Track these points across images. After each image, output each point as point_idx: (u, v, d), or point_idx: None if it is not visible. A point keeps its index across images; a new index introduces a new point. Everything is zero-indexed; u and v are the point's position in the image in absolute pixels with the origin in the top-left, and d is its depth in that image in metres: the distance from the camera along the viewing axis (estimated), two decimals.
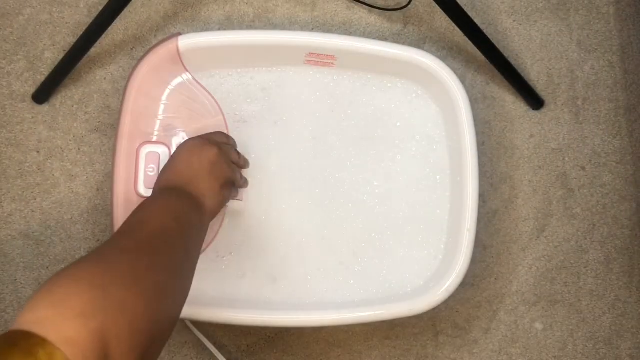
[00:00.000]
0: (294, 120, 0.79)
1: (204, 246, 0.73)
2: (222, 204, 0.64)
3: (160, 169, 0.72)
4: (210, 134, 0.69)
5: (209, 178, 0.61)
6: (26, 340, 0.35)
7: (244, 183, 0.73)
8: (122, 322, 0.39)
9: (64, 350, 0.34)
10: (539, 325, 0.84)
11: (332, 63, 0.78)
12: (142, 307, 0.41)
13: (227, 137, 0.72)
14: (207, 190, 0.61)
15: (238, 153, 0.71)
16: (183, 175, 0.60)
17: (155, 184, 0.62)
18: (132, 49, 0.82)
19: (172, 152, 0.64)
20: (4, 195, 0.79)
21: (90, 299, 0.38)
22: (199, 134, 0.74)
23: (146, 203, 0.56)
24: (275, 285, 0.76)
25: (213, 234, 0.74)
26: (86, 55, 0.77)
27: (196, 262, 0.56)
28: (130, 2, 0.72)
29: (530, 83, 0.86)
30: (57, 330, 0.35)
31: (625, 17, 0.90)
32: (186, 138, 0.73)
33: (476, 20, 0.78)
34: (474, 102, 0.85)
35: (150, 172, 0.72)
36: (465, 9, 0.76)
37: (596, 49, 0.89)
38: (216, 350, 0.77)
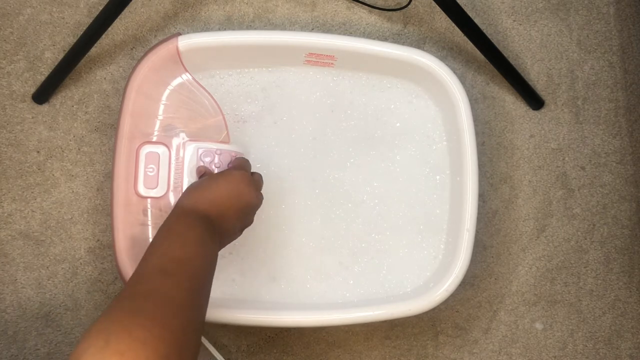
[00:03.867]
0: (293, 120, 0.79)
1: None
2: (230, 241, 0.65)
3: (160, 169, 0.72)
4: (253, 173, 0.68)
5: (238, 222, 0.63)
6: None
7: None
8: None
9: None
10: (539, 325, 0.84)
11: (332, 63, 0.78)
12: None
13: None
14: (230, 232, 0.62)
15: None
16: (218, 206, 0.60)
17: (190, 195, 0.61)
18: (132, 49, 0.83)
19: (219, 173, 0.64)
20: (4, 195, 0.79)
21: None
22: (199, 135, 0.74)
23: (182, 233, 0.55)
24: (275, 285, 0.76)
25: None
26: (86, 55, 0.77)
27: None
28: (130, 2, 0.72)
29: (530, 83, 0.86)
30: None
31: (625, 17, 0.90)
32: (186, 139, 0.73)
33: (476, 20, 0.78)
34: (474, 102, 0.85)
35: (150, 172, 0.72)
36: (465, 9, 0.76)
37: (596, 49, 0.89)
38: (216, 351, 0.77)
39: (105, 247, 0.79)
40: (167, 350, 0.42)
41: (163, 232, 0.56)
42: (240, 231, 0.65)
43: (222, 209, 0.60)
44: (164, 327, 0.43)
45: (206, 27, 0.84)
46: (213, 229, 0.58)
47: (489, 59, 0.81)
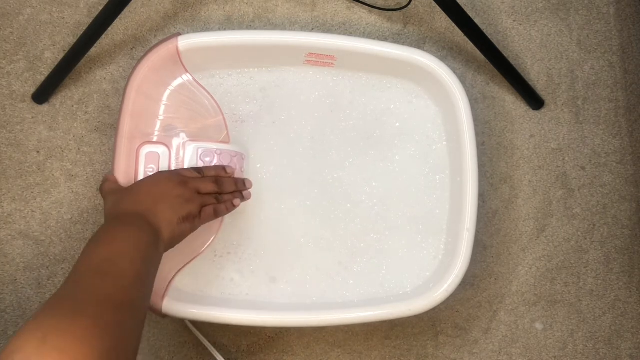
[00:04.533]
0: (293, 120, 0.79)
1: (203, 247, 0.73)
2: (180, 236, 0.63)
3: (160, 169, 0.72)
4: (182, 169, 0.70)
5: (168, 210, 0.62)
6: None
7: (231, 206, 0.70)
8: None
9: None
10: (539, 325, 0.84)
11: (332, 63, 0.78)
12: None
13: (201, 170, 0.69)
14: (165, 222, 0.61)
15: (235, 180, 0.71)
16: (143, 203, 0.62)
17: (113, 206, 0.63)
18: (132, 49, 0.83)
19: (138, 180, 0.68)
20: (4, 195, 0.79)
21: None
22: (199, 135, 0.74)
23: (112, 234, 0.57)
24: (275, 285, 0.76)
25: (212, 235, 0.74)
26: (86, 55, 0.77)
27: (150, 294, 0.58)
28: (130, 2, 0.72)
29: (530, 83, 0.86)
30: None
31: (625, 17, 0.90)
32: (186, 139, 0.74)
33: (476, 20, 0.78)
34: (474, 102, 0.85)
35: (150, 172, 0.72)
36: (465, 9, 0.76)
37: (596, 49, 0.89)
38: (215, 351, 0.77)
39: None
40: (106, 347, 0.43)
41: (93, 237, 0.57)
42: (186, 222, 0.63)
43: (149, 201, 0.62)
44: (102, 326, 0.45)
45: (206, 27, 0.84)
46: (146, 222, 0.59)
47: (489, 59, 0.81)
